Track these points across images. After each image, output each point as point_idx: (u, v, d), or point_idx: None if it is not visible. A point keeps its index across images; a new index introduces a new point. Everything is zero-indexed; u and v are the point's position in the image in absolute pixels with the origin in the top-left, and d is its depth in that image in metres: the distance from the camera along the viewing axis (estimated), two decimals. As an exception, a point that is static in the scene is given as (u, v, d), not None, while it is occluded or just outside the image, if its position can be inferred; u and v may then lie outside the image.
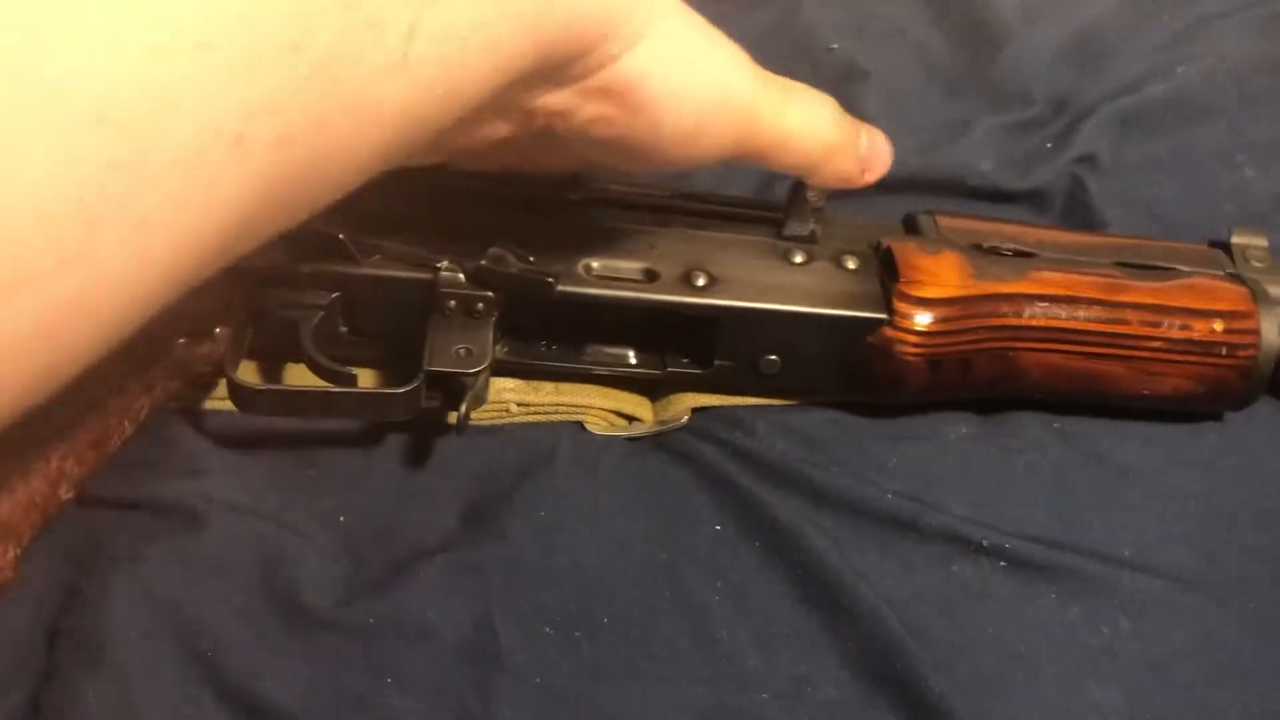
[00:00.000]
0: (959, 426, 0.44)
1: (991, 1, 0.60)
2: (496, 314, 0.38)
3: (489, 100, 0.28)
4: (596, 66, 0.30)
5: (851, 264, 0.41)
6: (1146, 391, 0.43)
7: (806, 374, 0.42)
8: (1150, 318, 0.42)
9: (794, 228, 0.42)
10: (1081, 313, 0.41)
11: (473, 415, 0.39)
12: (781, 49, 0.57)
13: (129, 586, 0.36)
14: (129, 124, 0.20)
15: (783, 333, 0.40)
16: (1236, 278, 0.44)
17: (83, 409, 0.35)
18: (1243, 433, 0.45)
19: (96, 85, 0.20)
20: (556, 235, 0.40)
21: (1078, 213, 0.52)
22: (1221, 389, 0.43)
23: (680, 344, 0.42)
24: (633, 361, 0.43)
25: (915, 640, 0.38)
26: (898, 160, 0.51)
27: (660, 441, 0.43)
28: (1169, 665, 0.39)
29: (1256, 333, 0.42)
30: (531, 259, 0.38)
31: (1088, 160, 0.53)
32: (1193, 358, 0.42)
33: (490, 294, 0.38)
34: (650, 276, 0.40)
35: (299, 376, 0.40)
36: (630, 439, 0.43)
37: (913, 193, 0.51)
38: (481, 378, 0.38)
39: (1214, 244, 0.47)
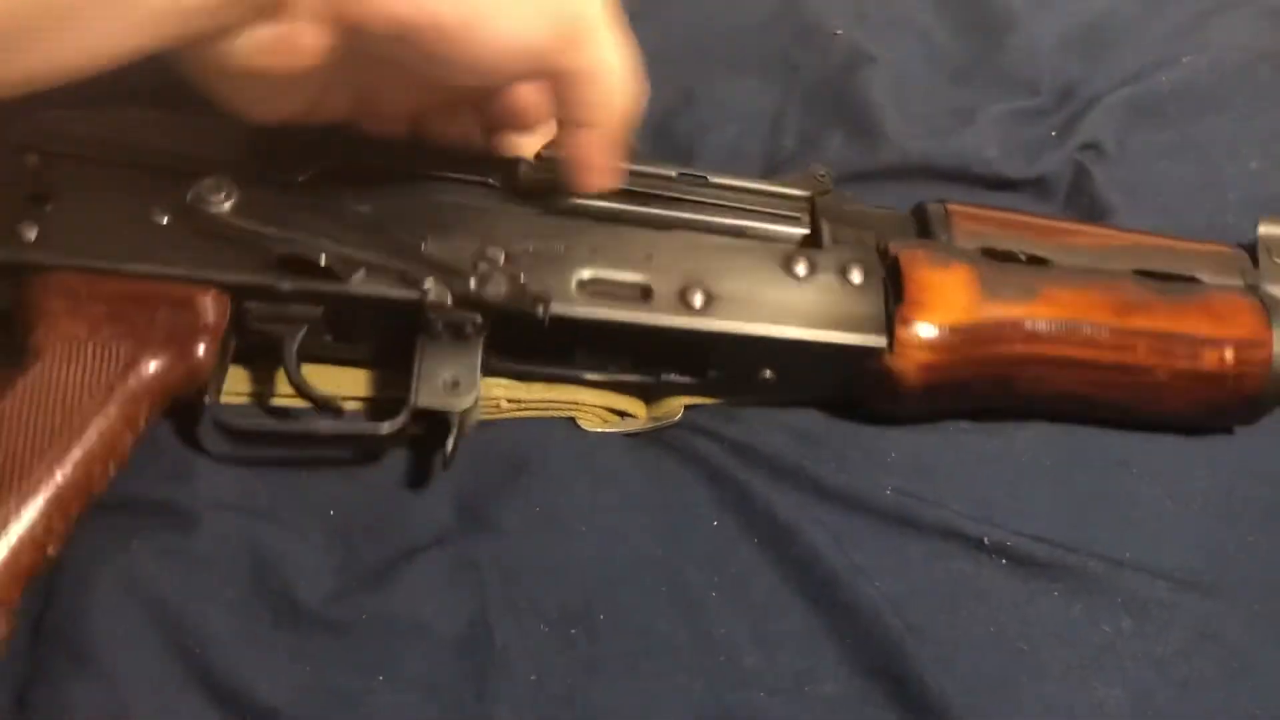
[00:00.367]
0: (959, 421, 0.44)
1: (997, -11, 0.59)
2: (485, 334, 0.38)
3: None
4: None
5: (856, 277, 0.40)
6: (1148, 412, 0.43)
7: (802, 388, 0.42)
8: (1160, 346, 0.41)
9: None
10: (1089, 345, 0.41)
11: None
12: (786, 34, 0.56)
13: (116, 584, 0.35)
14: None
15: (779, 355, 0.40)
16: (1254, 290, 0.43)
17: (63, 455, 0.34)
18: (1247, 432, 0.45)
19: None
20: (549, 238, 0.39)
21: (1082, 201, 0.51)
22: (1224, 414, 0.44)
23: (674, 356, 0.41)
24: (625, 371, 0.42)
25: (915, 636, 0.38)
26: (902, 148, 0.51)
27: (657, 436, 0.42)
28: (1171, 664, 0.39)
29: (1267, 362, 0.42)
30: (521, 276, 0.37)
31: (1093, 148, 0.53)
32: (1199, 387, 0.42)
33: (478, 317, 0.37)
34: (645, 294, 0.39)
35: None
36: (625, 434, 0.42)
37: (918, 179, 0.51)
38: (470, 414, 0.38)
39: (1241, 246, 0.45)
